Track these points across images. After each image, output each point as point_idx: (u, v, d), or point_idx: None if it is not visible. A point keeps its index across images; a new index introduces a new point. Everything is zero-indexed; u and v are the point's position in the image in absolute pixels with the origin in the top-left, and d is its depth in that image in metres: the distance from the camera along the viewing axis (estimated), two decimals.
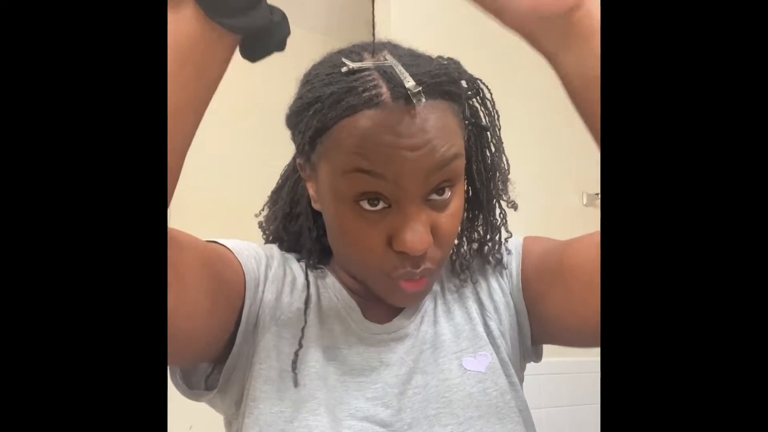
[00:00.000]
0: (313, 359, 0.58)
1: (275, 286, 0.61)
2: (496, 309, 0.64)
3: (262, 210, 0.70)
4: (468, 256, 0.66)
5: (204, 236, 0.56)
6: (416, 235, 0.53)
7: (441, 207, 0.55)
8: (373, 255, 0.55)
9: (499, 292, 0.65)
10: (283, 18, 0.44)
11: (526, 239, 0.67)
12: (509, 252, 0.66)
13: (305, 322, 0.59)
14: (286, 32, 0.44)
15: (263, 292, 0.60)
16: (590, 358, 1.43)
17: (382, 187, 0.52)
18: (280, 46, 0.44)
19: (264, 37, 0.43)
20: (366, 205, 0.53)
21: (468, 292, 0.65)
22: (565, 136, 1.76)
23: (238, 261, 0.58)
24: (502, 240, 0.66)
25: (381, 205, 0.53)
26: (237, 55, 0.44)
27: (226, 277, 0.56)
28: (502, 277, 0.66)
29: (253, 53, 0.44)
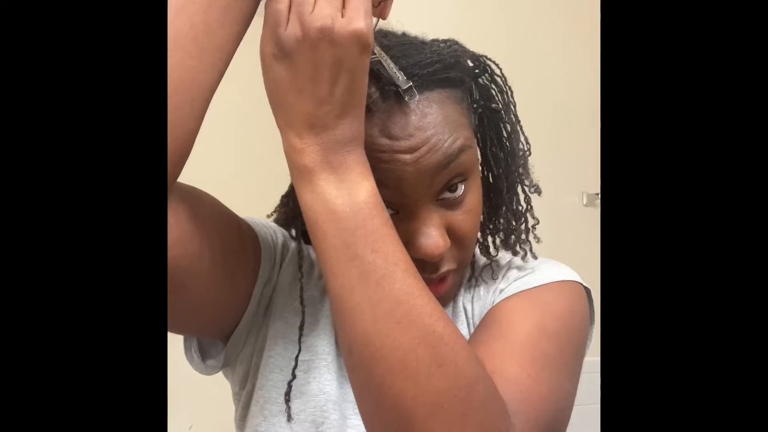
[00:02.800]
0: (326, 351, 0.56)
1: (291, 271, 0.59)
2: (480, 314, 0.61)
3: (274, 212, 0.67)
4: (492, 248, 0.62)
5: None
6: (430, 240, 0.49)
7: (455, 205, 0.51)
8: None
9: (487, 287, 0.61)
10: None
11: (513, 300, 0.56)
12: (507, 272, 0.60)
13: (299, 349, 0.56)
14: None
15: (278, 274, 0.58)
16: (590, 358, 1.42)
17: (386, 195, 0.48)
18: None
19: None
20: None
21: (466, 292, 0.63)
22: (565, 136, 1.76)
23: (256, 236, 0.57)
24: (530, 227, 0.61)
25: (389, 212, 0.49)
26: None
27: (244, 244, 0.54)
28: (495, 280, 0.60)
29: None
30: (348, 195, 0.43)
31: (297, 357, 0.55)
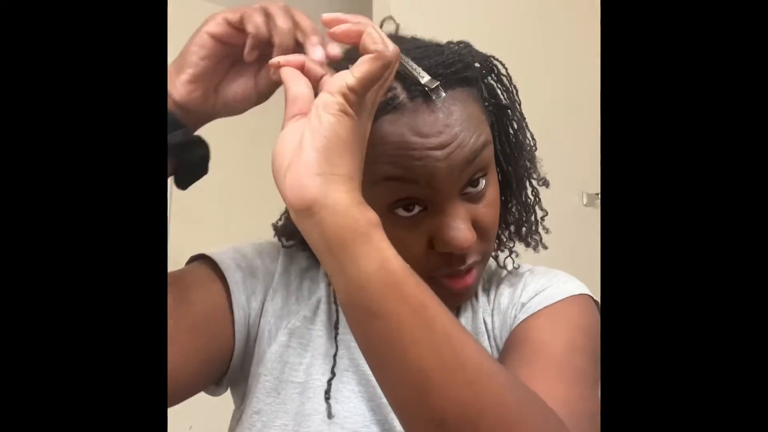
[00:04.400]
0: (319, 372, 0.56)
1: (280, 295, 0.59)
2: (498, 308, 0.61)
3: (279, 219, 0.66)
4: (506, 240, 0.64)
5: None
6: (459, 233, 0.50)
7: (478, 198, 0.52)
8: (416, 260, 0.50)
9: (507, 300, 0.61)
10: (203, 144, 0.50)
11: (538, 317, 0.57)
12: (525, 276, 0.61)
13: (336, 348, 0.56)
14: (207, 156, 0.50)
15: (263, 303, 0.58)
16: None
17: (416, 192, 0.49)
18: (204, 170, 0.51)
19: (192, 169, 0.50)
20: (401, 212, 0.50)
21: (486, 304, 0.62)
22: (565, 136, 1.76)
23: (224, 280, 0.56)
24: (539, 219, 0.63)
25: (417, 209, 0.51)
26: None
27: (210, 318, 0.54)
28: (515, 293, 0.60)
29: (185, 182, 0.50)
30: (396, 255, 0.41)
31: (335, 356, 0.56)
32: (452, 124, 0.49)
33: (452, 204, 0.51)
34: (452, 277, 0.53)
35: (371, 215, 0.41)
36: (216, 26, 0.46)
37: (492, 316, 0.60)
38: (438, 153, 0.48)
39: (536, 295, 0.58)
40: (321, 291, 0.60)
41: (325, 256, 0.41)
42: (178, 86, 0.47)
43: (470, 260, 0.53)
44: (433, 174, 0.49)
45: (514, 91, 0.59)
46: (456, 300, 0.57)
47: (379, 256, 0.40)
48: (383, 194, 0.50)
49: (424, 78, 0.48)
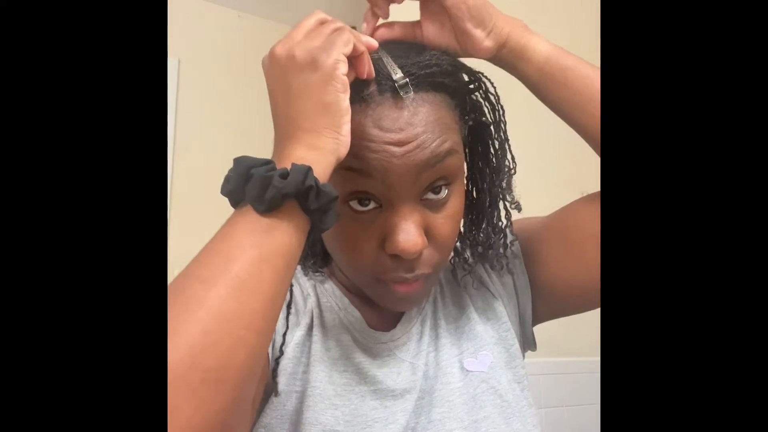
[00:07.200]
0: (317, 378, 0.55)
1: (282, 314, 0.57)
2: (495, 305, 0.63)
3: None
4: (471, 260, 0.63)
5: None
6: (409, 237, 0.49)
7: (437, 207, 0.52)
8: (365, 258, 0.52)
9: (499, 285, 0.64)
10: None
11: (514, 222, 0.64)
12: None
13: (287, 327, 0.56)
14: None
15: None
16: (590, 358, 1.43)
17: (371, 186, 0.49)
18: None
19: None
20: (356, 205, 0.50)
21: (466, 292, 0.64)
22: (565, 136, 1.76)
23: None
24: (508, 243, 0.62)
25: (372, 205, 0.50)
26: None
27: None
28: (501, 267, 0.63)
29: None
30: None
31: (285, 334, 0.56)
32: (416, 123, 0.48)
33: (407, 206, 0.50)
34: (398, 283, 0.53)
35: None
36: (345, 66, 0.45)
37: (480, 297, 0.63)
38: (396, 149, 0.48)
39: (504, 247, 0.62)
40: (312, 296, 0.60)
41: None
42: (345, 139, 0.45)
43: (419, 270, 0.52)
44: (387, 169, 0.48)
45: (501, 111, 0.59)
46: (399, 306, 0.57)
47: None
48: (340, 184, 0.49)
49: (397, 74, 0.48)
